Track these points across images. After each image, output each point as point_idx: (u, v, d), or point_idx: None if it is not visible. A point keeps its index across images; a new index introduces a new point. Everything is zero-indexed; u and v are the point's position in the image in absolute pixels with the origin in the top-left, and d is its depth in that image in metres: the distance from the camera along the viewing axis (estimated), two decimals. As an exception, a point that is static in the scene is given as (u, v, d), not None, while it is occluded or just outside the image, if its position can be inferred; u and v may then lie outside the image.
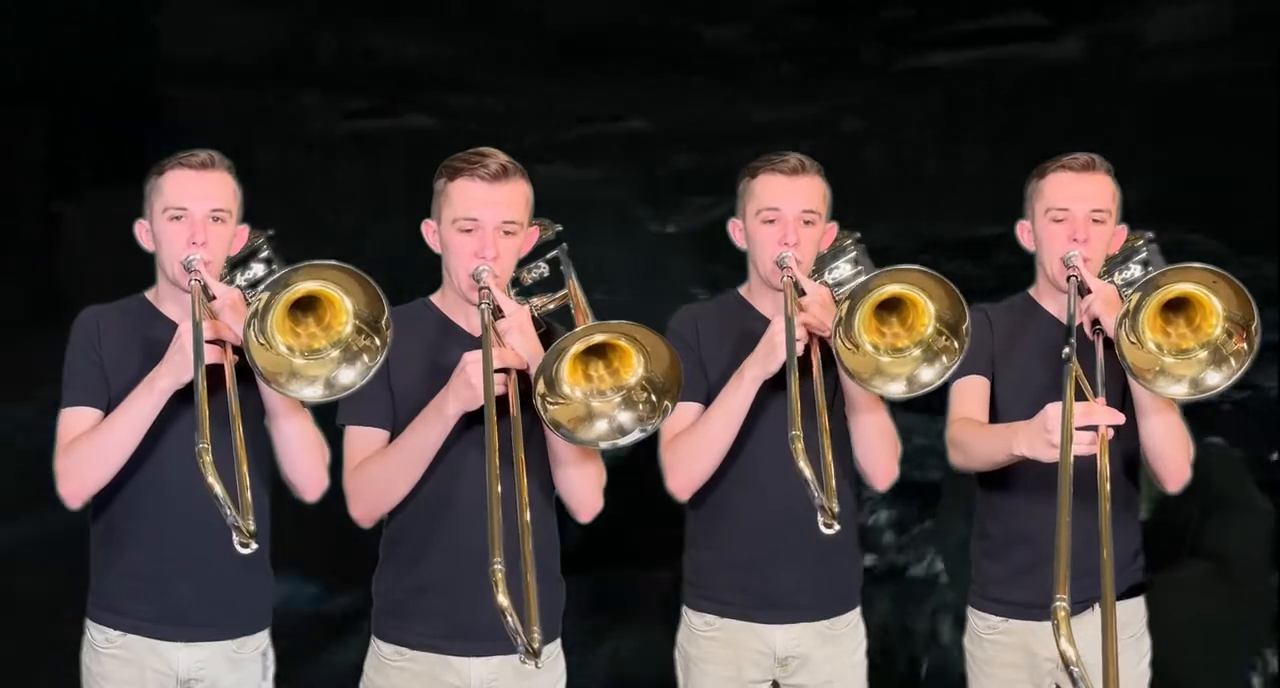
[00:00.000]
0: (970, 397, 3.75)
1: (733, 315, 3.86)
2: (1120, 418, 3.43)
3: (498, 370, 3.31)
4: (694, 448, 3.73)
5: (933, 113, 5.94)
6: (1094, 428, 3.40)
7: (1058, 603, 3.00)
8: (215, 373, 3.37)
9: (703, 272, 5.63)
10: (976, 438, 3.70)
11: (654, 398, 3.33)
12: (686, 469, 3.75)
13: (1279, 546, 5.48)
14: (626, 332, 3.30)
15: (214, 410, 3.30)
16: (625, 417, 3.34)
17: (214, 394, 3.34)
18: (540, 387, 3.26)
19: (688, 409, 3.75)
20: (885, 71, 5.93)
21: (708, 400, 3.75)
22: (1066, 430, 3.33)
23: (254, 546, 3.17)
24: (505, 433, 3.30)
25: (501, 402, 3.33)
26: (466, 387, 3.33)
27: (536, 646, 3.12)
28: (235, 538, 3.16)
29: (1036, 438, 3.48)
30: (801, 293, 3.65)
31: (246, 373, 3.35)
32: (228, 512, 3.15)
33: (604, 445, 3.36)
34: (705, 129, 5.90)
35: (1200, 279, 3.41)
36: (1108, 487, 3.35)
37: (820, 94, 5.94)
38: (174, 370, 3.39)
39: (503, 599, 3.08)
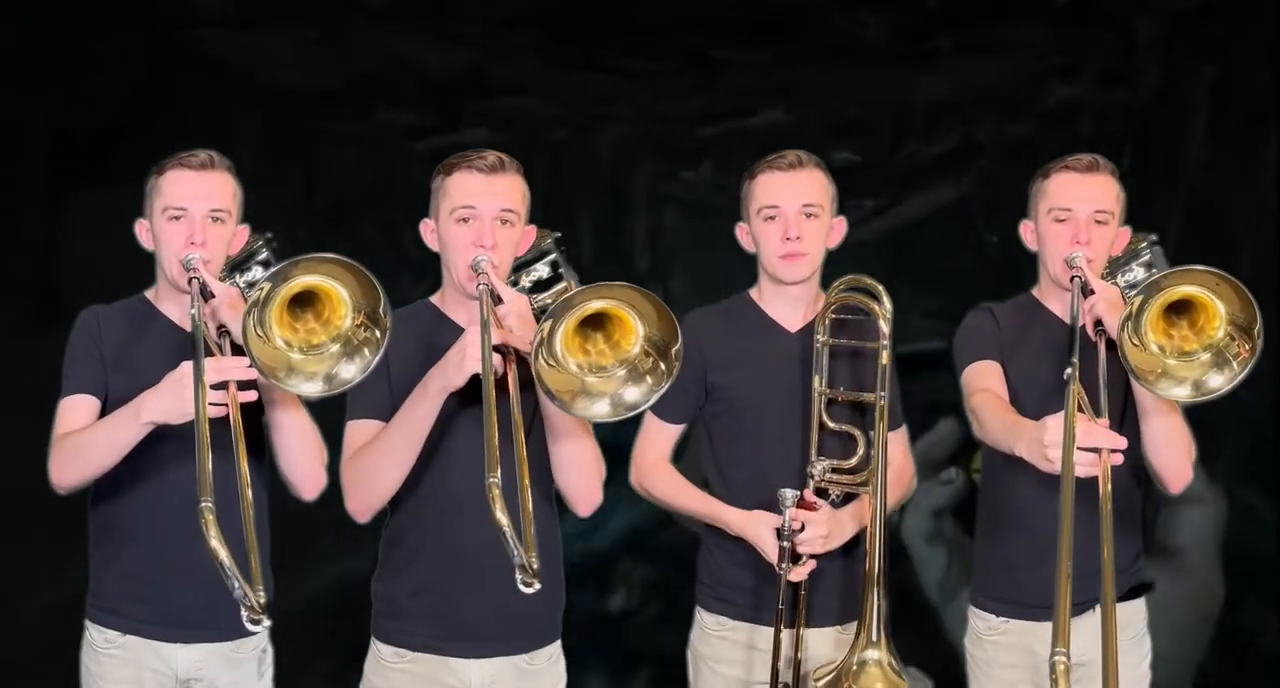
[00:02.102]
0: (988, 374, 3.74)
1: (741, 317, 3.87)
2: (1123, 442, 3.38)
3: (496, 348, 3.29)
4: (666, 495, 3.85)
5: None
6: (1097, 451, 3.36)
7: (1057, 658, 2.95)
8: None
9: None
10: (993, 419, 3.65)
11: (660, 362, 3.31)
12: (652, 491, 3.88)
13: (1228, 540, 5.48)
14: (622, 296, 3.29)
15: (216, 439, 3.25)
16: (633, 393, 3.32)
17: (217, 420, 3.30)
18: (536, 342, 3.25)
19: (665, 429, 3.84)
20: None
21: (693, 416, 3.84)
22: (1068, 453, 3.29)
23: (266, 623, 3.09)
24: (504, 417, 3.27)
25: (499, 386, 3.31)
26: (460, 355, 3.29)
27: (535, 566, 3.09)
28: (244, 614, 3.07)
29: (1034, 448, 3.45)
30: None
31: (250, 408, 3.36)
32: (235, 584, 3.07)
33: (606, 419, 3.35)
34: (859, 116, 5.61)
35: (1203, 281, 3.39)
36: (1109, 506, 3.31)
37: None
38: (164, 408, 3.33)
39: (501, 517, 3.05)
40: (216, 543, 3.06)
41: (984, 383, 3.74)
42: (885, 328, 3.71)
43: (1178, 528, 5.32)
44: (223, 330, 3.41)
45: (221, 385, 3.29)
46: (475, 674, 3.49)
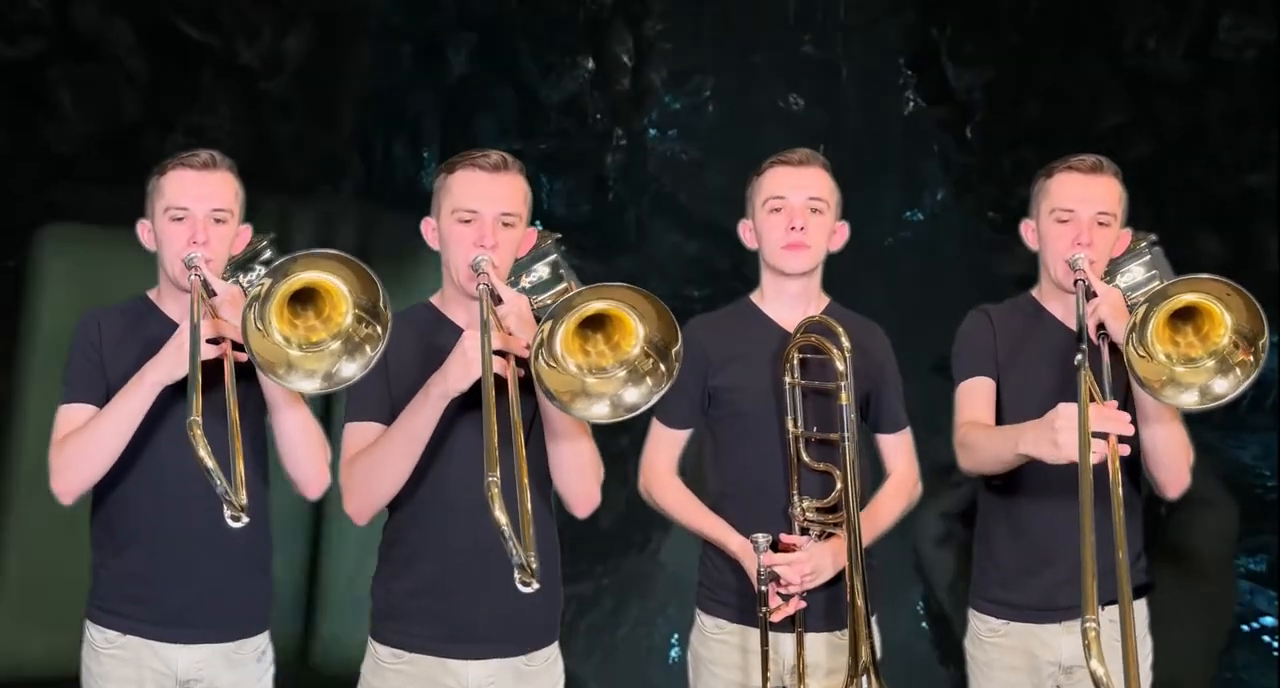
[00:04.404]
0: (977, 398, 3.74)
1: (742, 320, 3.86)
2: (1130, 428, 3.40)
3: (496, 352, 3.29)
4: (673, 508, 3.85)
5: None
6: (1104, 437, 3.36)
7: (1088, 624, 3.00)
8: (215, 369, 3.38)
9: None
10: (984, 440, 3.68)
11: (660, 364, 3.31)
12: (659, 502, 3.87)
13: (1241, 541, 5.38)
14: (622, 297, 3.28)
15: (213, 404, 3.29)
16: (632, 394, 3.32)
17: (214, 388, 3.34)
18: (536, 343, 3.25)
19: (671, 435, 3.85)
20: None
21: (699, 421, 3.83)
22: (1084, 439, 3.31)
23: (245, 520, 3.16)
24: (504, 422, 3.26)
25: (499, 388, 3.29)
26: (462, 360, 3.31)
27: (534, 566, 3.08)
28: (226, 511, 3.15)
29: (1042, 437, 3.46)
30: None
31: (248, 372, 3.36)
32: (217, 482, 3.16)
33: (605, 421, 3.34)
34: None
35: (1214, 291, 3.39)
36: (1120, 491, 3.32)
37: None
38: (166, 365, 3.40)
39: (499, 516, 3.05)
40: (204, 453, 3.17)
41: (972, 413, 3.75)
42: (842, 367, 3.66)
43: (1190, 531, 5.27)
44: None
45: (217, 341, 3.37)
46: (473, 675, 3.49)
